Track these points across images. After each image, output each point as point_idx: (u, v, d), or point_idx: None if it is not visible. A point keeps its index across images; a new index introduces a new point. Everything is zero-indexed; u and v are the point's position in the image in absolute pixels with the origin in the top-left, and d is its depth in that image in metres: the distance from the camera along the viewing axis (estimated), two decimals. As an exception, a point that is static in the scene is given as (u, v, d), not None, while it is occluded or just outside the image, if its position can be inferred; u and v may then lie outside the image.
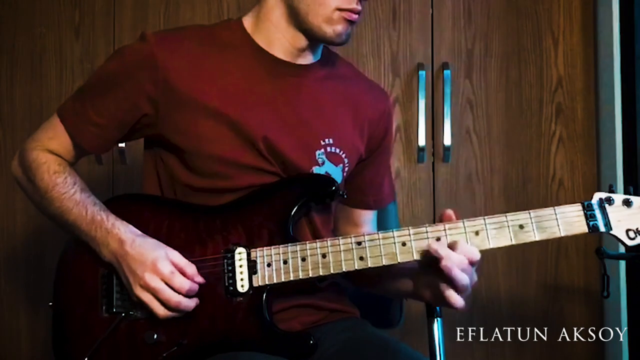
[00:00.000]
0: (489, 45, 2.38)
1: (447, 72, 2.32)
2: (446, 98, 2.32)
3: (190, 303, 1.33)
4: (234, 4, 2.38)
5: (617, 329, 2.22)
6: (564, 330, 2.34)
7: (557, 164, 2.37)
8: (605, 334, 2.33)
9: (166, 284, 1.32)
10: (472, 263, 1.29)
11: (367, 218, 1.62)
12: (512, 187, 2.37)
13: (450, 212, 1.35)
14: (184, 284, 1.32)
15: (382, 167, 1.62)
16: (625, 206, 1.33)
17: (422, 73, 2.32)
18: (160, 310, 1.33)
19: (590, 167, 2.36)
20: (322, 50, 1.52)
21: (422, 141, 2.32)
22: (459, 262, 1.28)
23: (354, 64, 1.63)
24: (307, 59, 1.49)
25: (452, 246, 1.30)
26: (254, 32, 1.46)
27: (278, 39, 1.45)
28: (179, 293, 1.32)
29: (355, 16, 1.40)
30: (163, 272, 1.32)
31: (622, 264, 2.21)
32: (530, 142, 2.37)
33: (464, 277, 1.28)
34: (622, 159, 2.23)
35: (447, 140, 2.31)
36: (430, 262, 1.32)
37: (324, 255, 1.34)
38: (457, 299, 1.30)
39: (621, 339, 2.21)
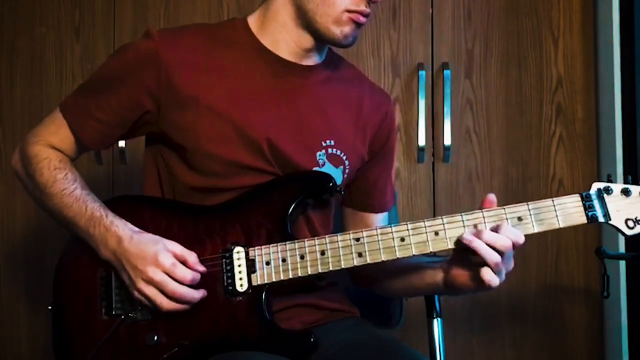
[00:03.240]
0: (489, 45, 2.39)
1: (447, 72, 2.32)
2: (446, 98, 2.32)
3: (196, 294, 1.33)
4: (234, 3, 2.38)
5: (617, 329, 2.22)
6: (564, 330, 2.34)
7: (557, 164, 2.37)
8: (605, 333, 2.33)
9: (169, 276, 1.32)
10: (514, 246, 1.28)
11: (378, 220, 1.61)
12: (512, 187, 2.37)
13: (492, 196, 1.34)
14: (187, 274, 1.32)
15: (385, 170, 1.62)
16: (623, 195, 1.33)
17: (422, 73, 2.32)
18: (165, 303, 1.32)
19: (590, 167, 2.36)
20: (326, 52, 1.52)
21: (422, 141, 2.32)
22: (498, 242, 1.26)
23: (354, 64, 1.63)
24: (312, 60, 1.48)
25: (495, 229, 1.29)
26: (259, 32, 1.46)
27: (284, 39, 1.45)
28: (183, 283, 1.32)
29: (364, 19, 1.40)
30: (165, 265, 1.32)
31: (622, 264, 2.21)
32: (530, 142, 2.37)
33: (493, 254, 1.27)
34: (622, 158, 2.23)
35: (447, 140, 2.31)
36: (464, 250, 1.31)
37: (322, 253, 1.34)
38: (491, 276, 1.27)
39: (621, 339, 2.21)
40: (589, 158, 2.37)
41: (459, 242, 1.31)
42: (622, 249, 2.14)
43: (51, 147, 1.46)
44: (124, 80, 1.41)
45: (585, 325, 2.34)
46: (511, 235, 1.28)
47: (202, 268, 1.34)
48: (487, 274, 1.28)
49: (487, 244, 1.27)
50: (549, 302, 2.36)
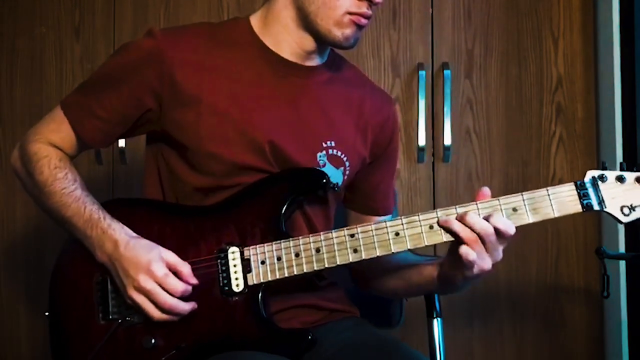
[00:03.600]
0: (489, 45, 2.38)
1: (447, 72, 2.32)
2: (446, 98, 2.32)
3: (186, 306, 1.32)
4: (234, 3, 2.38)
5: (617, 329, 2.22)
6: (564, 330, 2.34)
7: (557, 164, 2.37)
8: (606, 334, 2.33)
9: (160, 286, 1.31)
10: (501, 235, 1.28)
11: None
12: (512, 187, 2.36)
13: (486, 189, 1.34)
14: (178, 286, 1.32)
15: (388, 174, 1.62)
16: (618, 182, 1.32)
17: (422, 73, 2.32)
18: (155, 313, 1.32)
19: (590, 167, 2.34)
20: (328, 53, 1.52)
21: (422, 141, 2.32)
22: (477, 225, 1.27)
23: (354, 64, 1.63)
24: (314, 61, 1.48)
25: (487, 218, 1.28)
26: (262, 32, 1.46)
27: (285, 40, 1.45)
28: (173, 295, 1.32)
29: (365, 21, 1.39)
30: (157, 274, 1.31)
31: (622, 264, 2.21)
32: (530, 142, 2.37)
33: (467, 231, 1.27)
34: (622, 159, 2.23)
35: (447, 140, 2.31)
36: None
37: (317, 250, 1.34)
38: (467, 250, 1.27)
39: (621, 339, 2.21)
40: (589, 158, 2.36)
41: (441, 227, 1.31)
42: (622, 249, 2.14)
43: (51, 145, 1.46)
44: (126, 79, 1.41)
45: (585, 325, 2.34)
46: (499, 223, 1.27)
47: (194, 281, 1.34)
48: (462, 248, 1.27)
49: (465, 225, 1.27)
50: (549, 302, 2.36)
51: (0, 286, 2.39)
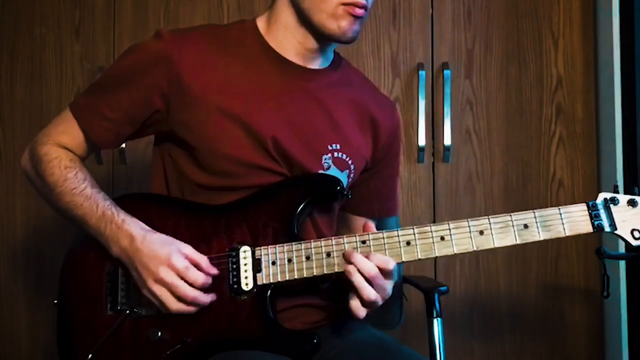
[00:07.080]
0: (489, 45, 2.39)
1: (447, 72, 2.32)
2: (446, 98, 2.32)
3: (206, 298, 1.33)
4: (234, 4, 2.38)
5: (617, 329, 2.23)
6: (564, 330, 2.35)
7: (557, 164, 2.37)
8: (606, 334, 2.33)
9: (181, 278, 1.32)
10: (384, 272, 1.30)
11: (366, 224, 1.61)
12: (512, 187, 2.37)
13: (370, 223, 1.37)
14: (199, 277, 1.33)
15: (390, 178, 1.63)
16: (630, 206, 1.34)
17: (422, 73, 2.32)
18: (174, 305, 1.33)
19: (590, 167, 2.37)
20: (333, 57, 1.52)
21: (422, 141, 2.32)
22: (367, 270, 1.29)
23: (354, 64, 1.63)
24: (318, 64, 1.49)
25: (367, 255, 1.30)
26: (267, 34, 1.47)
27: (289, 41, 1.45)
28: (194, 286, 1.32)
29: (361, 10, 1.39)
30: (178, 267, 1.32)
31: (622, 264, 2.21)
32: (530, 142, 2.38)
33: (367, 287, 1.29)
34: (622, 159, 2.23)
35: (447, 140, 2.31)
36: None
37: (328, 254, 1.34)
38: (358, 309, 1.31)
39: (621, 339, 2.21)
40: (589, 158, 2.37)
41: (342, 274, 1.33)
42: (622, 249, 2.14)
43: (61, 147, 1.46)
44: (134, 79, 1.42)
45: (585, 325, 2.35)
46: (378, 261, 1.30)
47: (214, 271, 1.35)
48: (355, 305, 1.31)
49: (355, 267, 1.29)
50: (549, 302, 2.36)
51: (0, 285, 2.39)
